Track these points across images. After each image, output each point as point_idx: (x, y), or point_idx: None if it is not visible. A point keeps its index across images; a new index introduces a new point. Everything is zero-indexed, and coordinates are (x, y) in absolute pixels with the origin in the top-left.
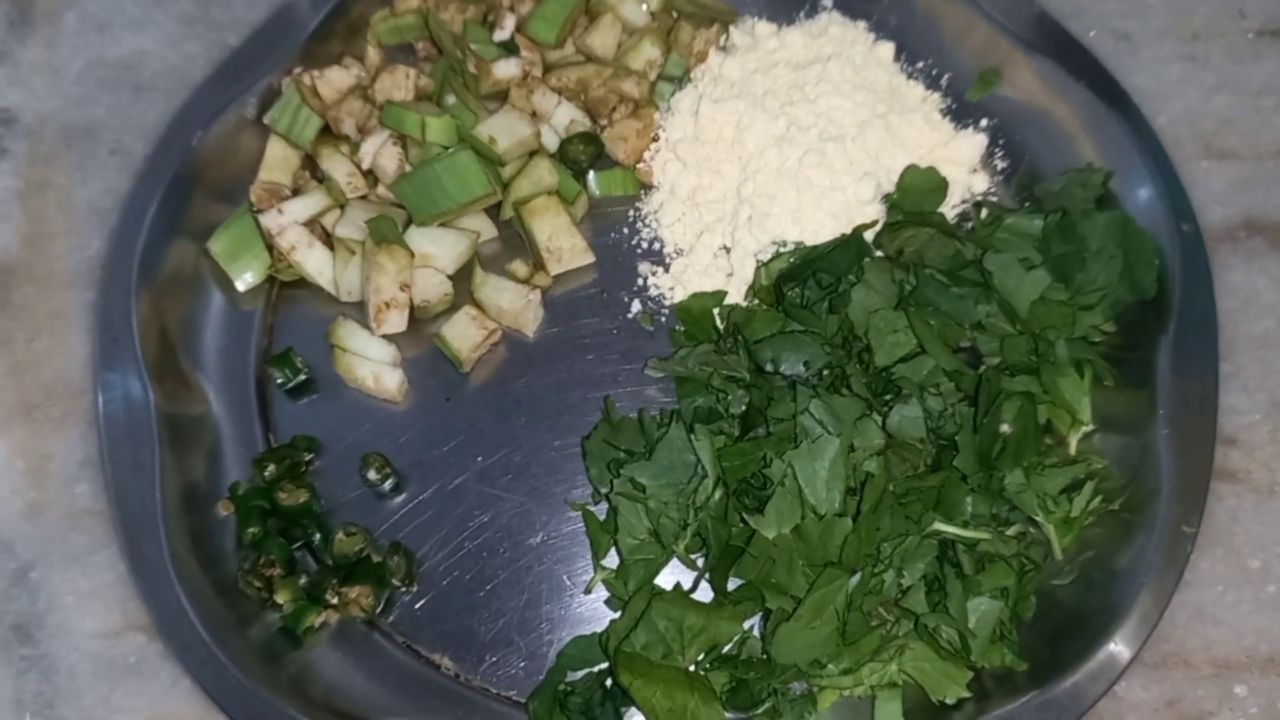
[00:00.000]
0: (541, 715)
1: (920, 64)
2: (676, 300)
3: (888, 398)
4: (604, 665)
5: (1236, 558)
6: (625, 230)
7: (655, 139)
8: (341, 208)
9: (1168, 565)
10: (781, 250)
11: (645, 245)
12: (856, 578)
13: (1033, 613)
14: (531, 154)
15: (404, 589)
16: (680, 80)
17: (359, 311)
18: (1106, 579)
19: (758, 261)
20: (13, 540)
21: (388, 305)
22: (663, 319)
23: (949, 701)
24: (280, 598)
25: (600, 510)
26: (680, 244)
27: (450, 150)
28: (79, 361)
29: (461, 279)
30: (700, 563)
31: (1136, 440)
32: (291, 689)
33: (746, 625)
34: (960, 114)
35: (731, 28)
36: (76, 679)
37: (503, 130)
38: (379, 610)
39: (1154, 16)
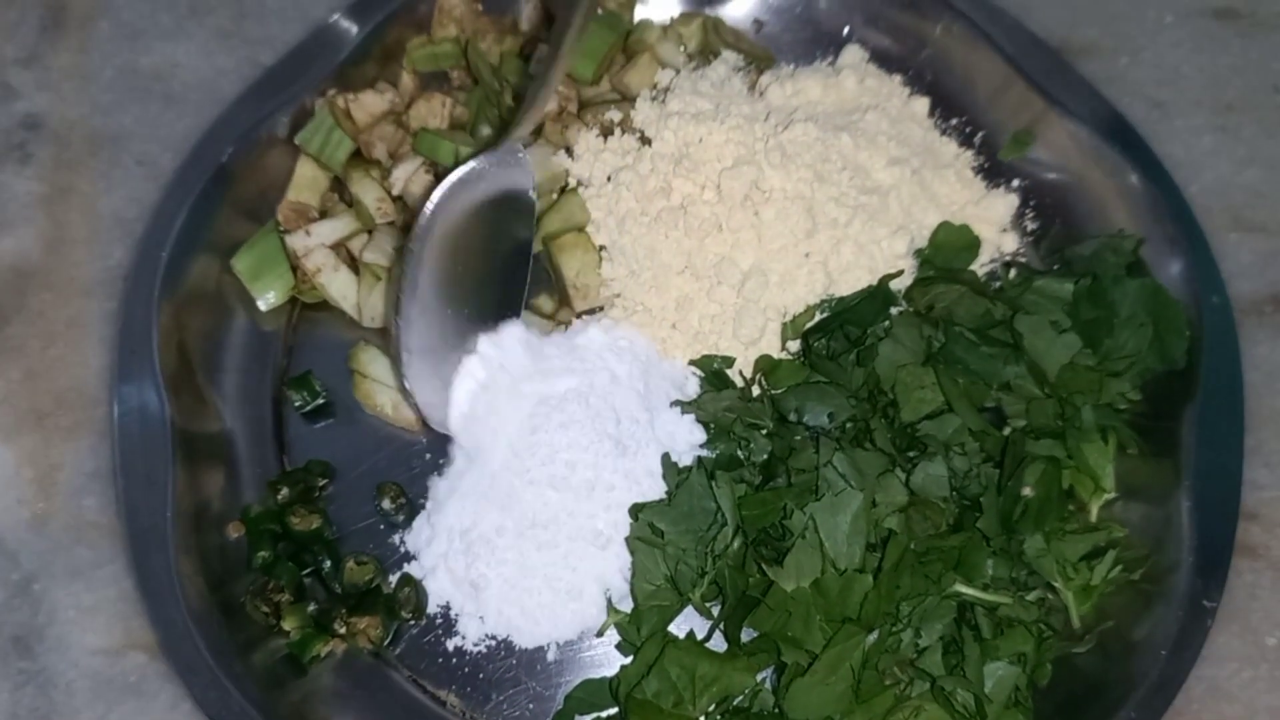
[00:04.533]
0: None
1: (954, 121)
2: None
3: (911, 454)
4: (612, 711)
5: (1253, 635)
6: None
7: None
8: (369, 232)
9: (1186, 639)
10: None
11: None
12: (874, 635)
13: (1048, 680)
14: (563, 189)
15: (412, 621)
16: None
17: (380, 337)
18: (1124, 649)
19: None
20: (17, 550)
21: None
22: None
23: None
24: (287, 624)
25: None
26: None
27: None
28: (93, 372)
29: None
30: (716, 612)
31: (1159, 510)
32: (293, 717)
33: (759, 678)
34: (992, 173)
35: (766, 72)
36: (74, 696)
37: (536, 164)
38: (386, 642)
39: (1188, 87)
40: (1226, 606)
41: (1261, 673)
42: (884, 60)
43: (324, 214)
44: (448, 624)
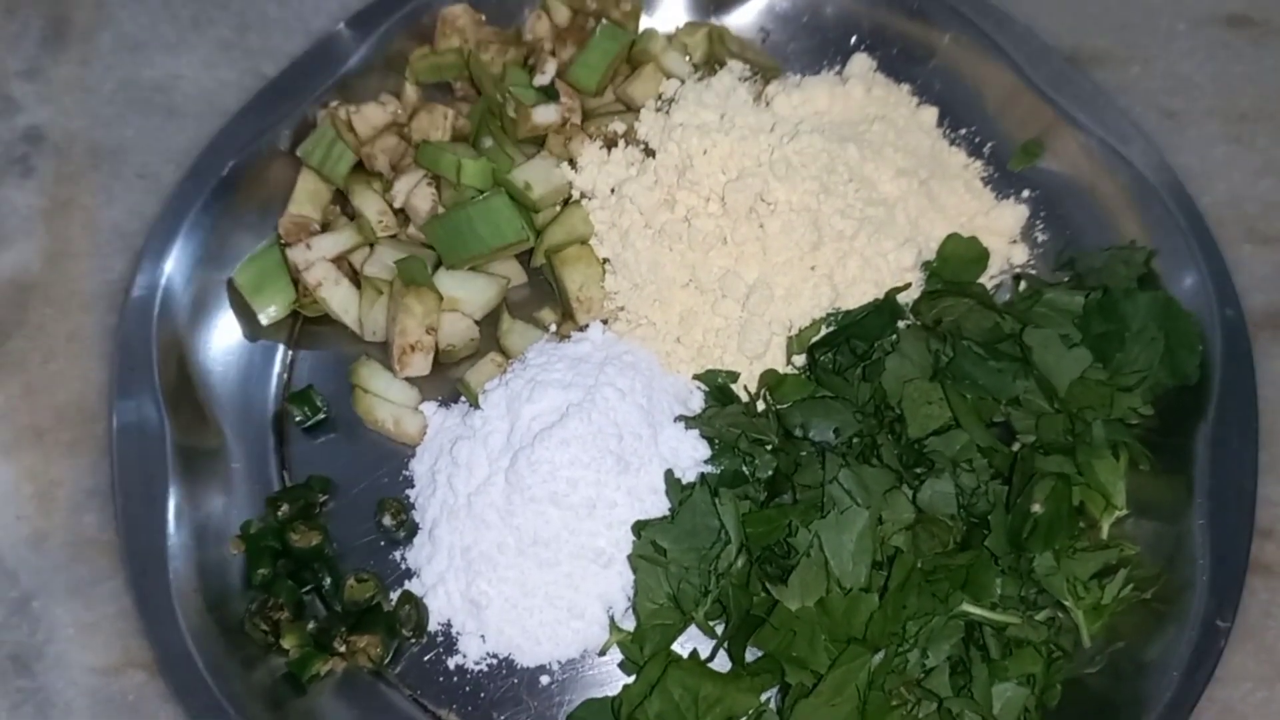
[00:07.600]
0: None
1: (963, 131)
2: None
3: (919, 470)
4: None
5: (1268, 655)
6: None
7: None
8: (371, 246)
9: (1199, 660)
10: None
11: None
12: (880, 656)
13: (1058, 701)
14: (566, 201)
15: (413, 640)
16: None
17: (382, 351)
18: (1136, 670)
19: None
20: (15, 568)
21: (412, 348)
22: None
23: None
24: (287, 643)
25: None
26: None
27: (485, 194)
28: (94, 386)
29: (488, 324)
30: (719, 631)
31: (1171, 528)
32: None
33: (764, 698)
34: (1001, 184)
35: (773, 82)
36: (72, 714)
37: (539, 176)
38: (387, 660)
39: (1201, 96)
40: (1241, 626)
41: (1276, 693)
42: (892, 69)
43: (325, 227)
44: (449, 642)
